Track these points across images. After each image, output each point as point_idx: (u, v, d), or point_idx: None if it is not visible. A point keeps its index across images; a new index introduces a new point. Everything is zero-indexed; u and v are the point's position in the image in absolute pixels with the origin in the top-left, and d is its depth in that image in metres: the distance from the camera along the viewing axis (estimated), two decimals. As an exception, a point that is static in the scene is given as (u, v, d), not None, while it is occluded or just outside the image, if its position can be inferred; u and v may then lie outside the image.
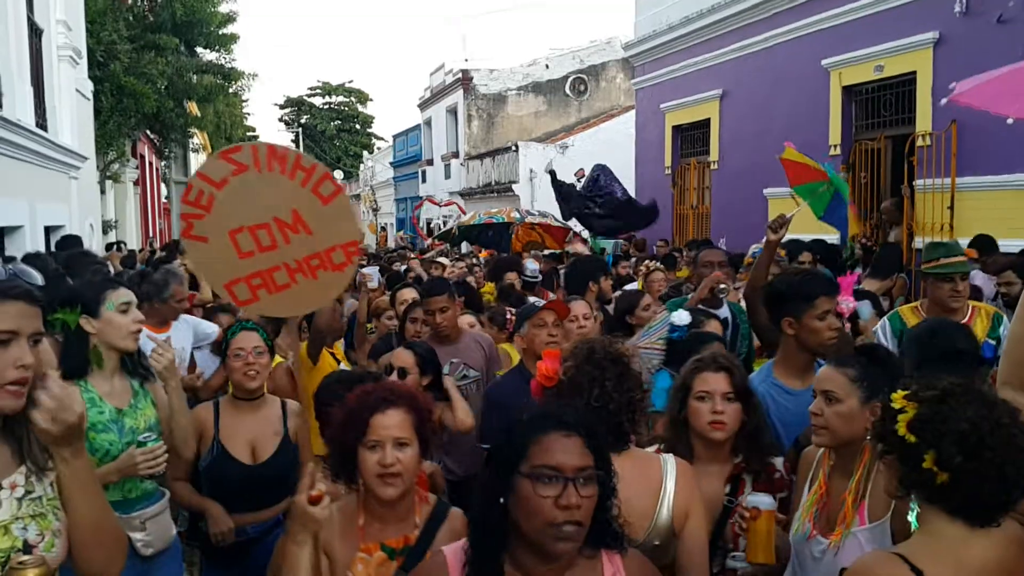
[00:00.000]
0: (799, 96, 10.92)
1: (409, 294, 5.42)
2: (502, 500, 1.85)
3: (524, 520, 1.81)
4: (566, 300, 4.75)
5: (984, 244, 6.72)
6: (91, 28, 14.26)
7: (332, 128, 48.27)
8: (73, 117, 11.97)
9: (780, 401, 3.24)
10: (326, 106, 51.30)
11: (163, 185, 28.33)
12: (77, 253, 6.91)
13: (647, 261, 8.23)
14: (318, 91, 51.38)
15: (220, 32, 19.69)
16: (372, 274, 6.38)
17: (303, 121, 50.42)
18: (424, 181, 31.40)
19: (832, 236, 7.78)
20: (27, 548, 1.87)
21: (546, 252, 13.52)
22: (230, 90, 21.88)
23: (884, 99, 9.83)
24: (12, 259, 5.87)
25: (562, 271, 8.63)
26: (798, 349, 3.36)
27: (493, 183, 24.06)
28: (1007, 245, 6.95)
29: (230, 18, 20.06)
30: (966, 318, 4.19)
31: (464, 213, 20.69)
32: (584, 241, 11.82)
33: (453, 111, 27.98)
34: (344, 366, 4.72)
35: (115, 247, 12.79)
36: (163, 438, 3.21)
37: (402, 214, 34.81)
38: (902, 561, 1.76)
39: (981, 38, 8.09)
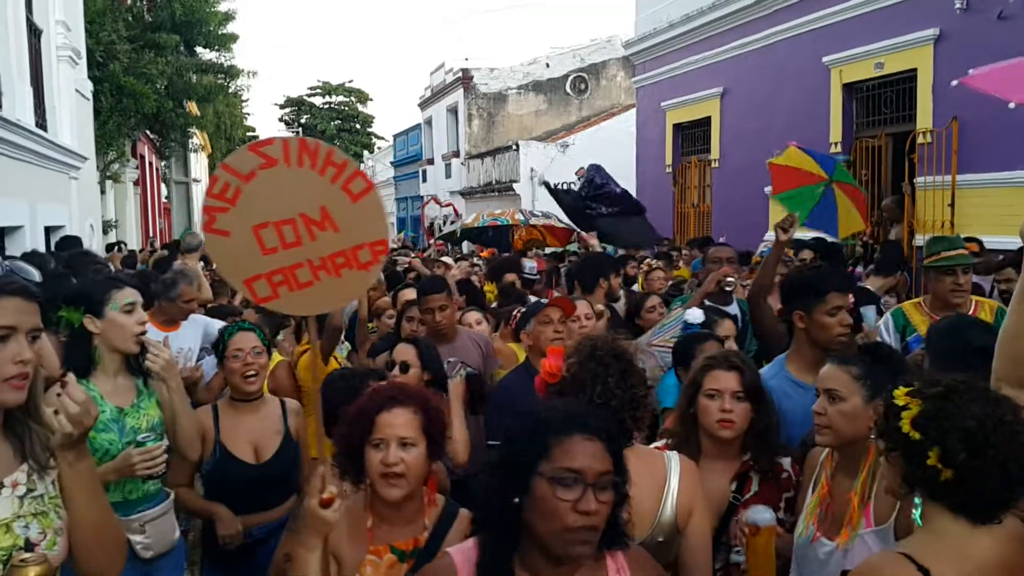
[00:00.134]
0: (800, 94, 10.91)
1: (411, 294, 5.43)
2: (516, 500, 1.81)
3: (539, 522, 1.78)
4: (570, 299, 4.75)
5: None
6: (90, 28, 14.25)
7: (332, 128, 48.17)
8: (73, 117, 11.97)
9: (792, 395, 3.21)
10: (326, 106, 51.23)
11: (163, 185, 28.33)
12: (78, 253, 6.90)
13: (647, 260, 8.25)
14: (318, 91, 51.32)
15: (220, 32, 19.68)
16: None
17: (303, 121, 50.34)
18: (425, 181, 31.40)
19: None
20: (29, 546, 1.87)
21: (547, 251, 13.55)
22: (230, 89, 21.86)
23: (885, 96, 9.82)
24: (11, 258, 5.87)
25: (563, 269, 8.66)
26: (809, 344, 3.34)
27: (494, 182, 24.05)
28: (1007, 243, 6.94)
29: (229, 17, 20.06)
30: (969, 313, 4.15)
31: (459, 215, 20.69)
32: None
33: (453, 110, 27.97)
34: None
35: (116, 247, 12.79)
36: (169, 439, 3.18)
37: (402, 214, 34.83)
38: (908, 560, 1.76)
39: (982, 34, 8.07)
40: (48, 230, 10.36)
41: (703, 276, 5.56)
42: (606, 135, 20.62)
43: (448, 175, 28.43)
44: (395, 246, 13.85)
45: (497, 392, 4.23)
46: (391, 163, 36.96)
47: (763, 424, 2.81)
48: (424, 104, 31.73)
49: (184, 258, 7.94)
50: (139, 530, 3.07)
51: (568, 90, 26.27)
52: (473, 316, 5.39)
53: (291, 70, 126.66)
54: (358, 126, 50.55)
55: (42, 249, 8.66)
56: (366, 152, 47.68)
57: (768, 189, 10.94)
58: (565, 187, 14.44)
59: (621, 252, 10.63)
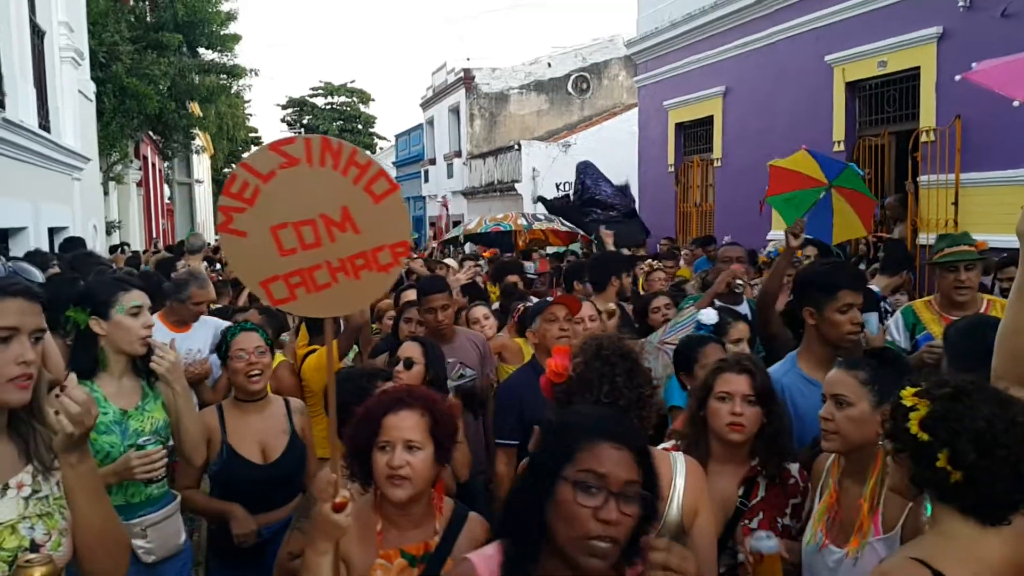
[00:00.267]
0: (802, 92, 10.89)
1: (413, 295, 5.43)
2: (539, 505, 1.75)
3: (559, 528, 1.72)
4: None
5: None
6: (93, 29, 14.27)
7: (334, 128, 48.19)
8: (76, 118, 11.98)
9: (806, 392, 3.17)
10: (328, 106, 51.29)
11: (166, 186, 28.37)
12: (82, 254, 6.90)
13: (648, 260, 8.24)
14: (320, 91, 51.39)
15: (222, 32, 19.71)
16: None
17: (305, 122, 50.40)
18: (427, 181, 31.41)
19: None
20: (34, 547, 1.88)
21: (550, 251, 13.56)
22: (232, 89, 21.90)
23: (888, 95, 9.80)
24: (15, 259, 5.87)
25: (565, 268, 8.65)
26: (819, 341, 3.31)
27: (496, 182, 24.04)
28: (1011, 241, 6.91)
29: (231, 17, 20.09)
30: (982, 311, 4.11)
31: (447, 208, 20.63)
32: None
33: (455, 110, 27.96)
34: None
35: (119, 249, 12.81)
36: (174, 443, 3.16)
37: (404, 213, 34.74)
38: (922, 565, 1.74)
39: (985, 32, 8.06)
40: (51, 231, 10.38)
41: (714, 275, 5.54)
42: (608, 135, 20.61)
43: (450, 175, 28.43)
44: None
45: (503, 391, 4.23)
46: (393, 163, 36.96)
47: (773, 429, 2.79)
48: (426, 104, 31.73)
49: (188, 259, 7.96)
50: (140, 534, 3.02)
51: (570, 90, 26.26)
52: (481, 311, 5.41)
53: (293, 71, 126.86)
54: (360, 126, 50.59)
55: (46, 250, 8.67)
56: (368, 152, 47.68)
57: (764, 195, 10.95)
58: (563, 192, 14.54)
59: (625, 251, 10.65)
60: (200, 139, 26.84)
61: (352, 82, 52.15)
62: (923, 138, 8.86)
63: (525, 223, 13.17)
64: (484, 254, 12.99)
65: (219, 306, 6.03)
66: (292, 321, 5.46)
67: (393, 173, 38.10)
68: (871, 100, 10.11)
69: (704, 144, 13.71)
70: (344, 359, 4.75)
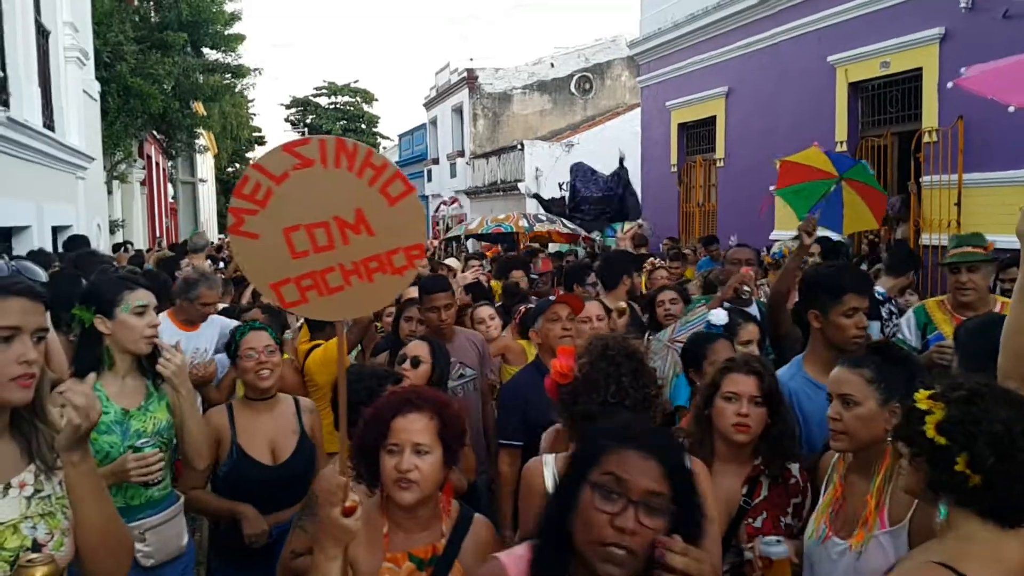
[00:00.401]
0: (805, 93, 10.88)
1: (413, 293, 5.43)
2: (569, 506, 1.72)
3: (578, 530, 1.69)
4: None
5: None
6: (98, 29, 14.31)
7: (338, 128, 48.17)
8: (80, 118, 12.00)
9: (812, 396, 3.14)
10: (332, 106, 51.30)
11: (170, 185, 28.41)
12: (86, 253, 6.92)
13: (651, 259, 8.24)
14: (324, 91, 51.40)
15: (226, 32, 19.75)
16: None
17: (309, 121, 50.43)
18: (430, 180, 31.41)
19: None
20: (36, 547, 1.88)
21: (552, 249, 13.58)
22: (236, 88, 21.93)
23: (890, 95, 9.79)
24: (18, 258, 5.89)
25: (565, 268, 8.66)
26: (824, 344, 3.27)
27: (499, 182, 24.04)
28: (1013, 242, 6.91)
29: (235, 17, 20.13)
30: (995, 310, 4.07)
31: (460, 204, 20.69)
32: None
33: (459, 110, 27.96)
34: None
35: (122, 247, 12.83)
36: (178, 445, 3.13)
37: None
38: (947, 569, 1.73)
39: (987, 34, 8.05)
40: (55, 230, 10.40)
41: (716, 275, 5.53)
42: (611, 135, 20.59)
43: (453, 175, 28.43)
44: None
45: (506, 391, 4.23)
46: (396, 163, 36.88)
47: (778, 430, 2.79)
48: (429, 104, 31.74)
49: (191, 257, 7.99)
50: (139, 538, 2.95)
51: (573, 90, 26.25)
52: (486, 311, 5.40)
53: (297, 71, 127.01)
54: (363, 126, 50.60)
55: (49, 249, 8.70)
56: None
57: (774, 188, 10.94)
58: (563, 192, 14.69)
59: (627, 247, 10.68)
60: (204, 138, 26.90)
61: (356, 82, 52.19)
62: (925, 139, 8.86)
63: (526, 224, 13.20)
64: (487, 253, 13.01)
65: (225, 306, 6.05)
66: (293, 320, 5.48)
67: (396, 173, 38.40)
68: (873, 101, 10.10)
69: (707, 144, 13.70)
70: (348, 355, 4.75)
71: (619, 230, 13.47)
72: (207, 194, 36.50)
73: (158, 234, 23.20)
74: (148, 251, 14.28)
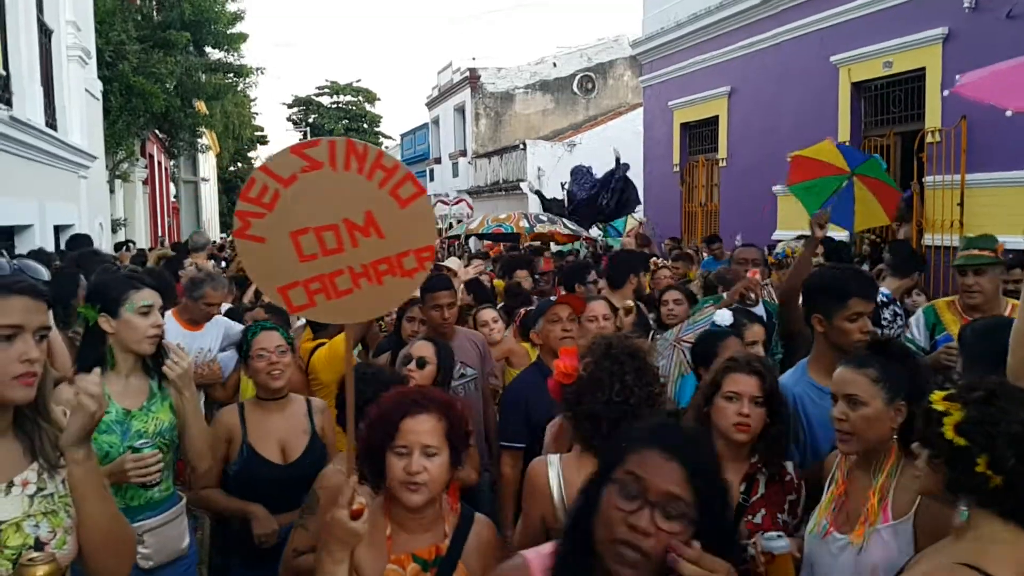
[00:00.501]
0: (807, 93, 10.88)
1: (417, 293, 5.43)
2: (594, 504, 1.70)
3: (596, 527, 1.66)
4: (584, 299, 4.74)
5: None
6: (100, 28, 14.31)
7: (340, 127, 48.23)
8: (82, 117, 12.01)
9: (817, 400, 3.12)
10: (334, 105, 51.37)
11: (172, 184, 28.43)
12: (88, 252, 6.92)
13: (655, 259, 8.23)
14: (326, 90, 51.47)
15: (228, 31, 19.76)
16: None
17: (311, 120, 50.50)
18: (432, 180, 31.42)
19: (840, 233, 7.74)
20: (39, 545, 1.88)
21: (554, 249, 13.60)
22: (238, 87, 21.94)
23: (893, 95, 9.78)
24: (20, 256, 5.89)
25: (565, 268, 8.65)
26: (828, 348, 3.23)
27: (501, 181, 24.05)
28: (1018, 242, 6.91)
29: (238, 16, 20.14)
30: (1005, 313, 4.05)
31: (472, 209, 20.76)
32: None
33: (461, 109, 27.98)
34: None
35: (124, 246, 12.83)
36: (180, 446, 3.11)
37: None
38: (973, 570, 1.72)
39: (990, 34, 8.04)
40: (57, 229, 10.40)
41: (731, 275, 5.51)
42: (613, 134, 20.59)
43: (455, 174, 28.44)
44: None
45: (508, 392, 4.21)
46: (398, 162, 36.97)
47: (777, 430, 2.79)
48: (431, 103, 31.76)
49: (193, 256, 7.99)
50: (138, 540, 2.85)
51: (575, 89, 26.26)
52: (489, 314, 5.39)
53: (299, 70, 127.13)
54: (365, 125, 50.66)
55: (51, 248, 8.70)
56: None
57: (776, 188, 10.96)
58: (561, 193, 14.78)
59: (629, 244, 10.68)
60: (206, 137, 26.91)
61: (358, 81, 52.30)
62: (928, 139, 8.85)
63: (527, 225, 13.20)
64: (490, 252, 13.02)
65: (230, 306, 6.05)
66: (294, 319, 5.48)
67: (398, 172, 38.62)
68: (876, 101, 10.09)
69: (709, 144, 13.70)
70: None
71: (623, 231, 13.50)
72: (209, 193, 36.55)
73: (160, 233, 23.22)
74: (150, 250, 14.29)
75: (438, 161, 30.89)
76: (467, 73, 26.63)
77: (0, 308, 1.86)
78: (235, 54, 20.69)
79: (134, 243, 14.60)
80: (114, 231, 15.74)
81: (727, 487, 1.77)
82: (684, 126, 14.35)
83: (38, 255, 6.29)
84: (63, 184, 11.00)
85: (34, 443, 1.95)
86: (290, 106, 52.28)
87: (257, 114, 43.02)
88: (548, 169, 21.48)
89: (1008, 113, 3.21)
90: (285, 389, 3.59)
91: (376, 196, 2.12)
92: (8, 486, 1.89)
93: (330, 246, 2.11)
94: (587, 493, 1.73)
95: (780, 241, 8.64)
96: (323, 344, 4.70)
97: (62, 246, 9.22)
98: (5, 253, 5.65)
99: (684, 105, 14.13)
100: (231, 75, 20.50)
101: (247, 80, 21.49)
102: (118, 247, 12.85)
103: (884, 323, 4.80)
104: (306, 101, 51.63)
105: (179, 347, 3.15)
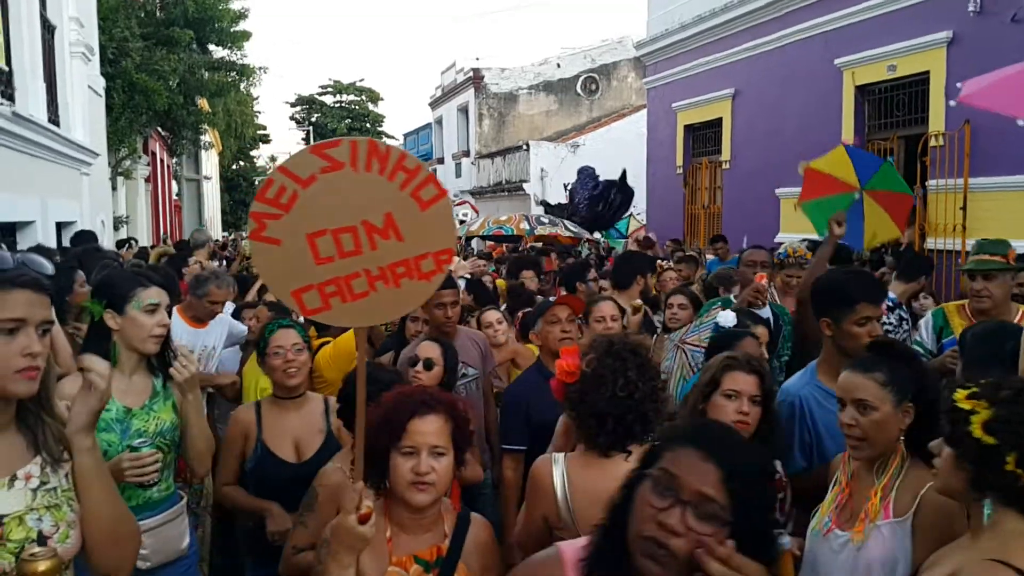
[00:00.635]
0: (811, 95, 10.87)
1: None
2: (631, 499, 1.68)
3: (629, 522, 1.64)
4: (592, 300, 4.73)
5: None
6: (103, 25, 14.31)
7: (343, 127, 48.22)
8: (85, 113, 12.01)
9: (824, 403, 3.11)
10: (337, 105, 51.36)
11: (174, 182, 28.42)
12: (90, 249, 6.92)
13: (659, 261, 8.23)
14: (329, 90, 51.46)
15: (232, 29, 19.77)
16: None
17: (314, 120, 50.49)
18: (434, 180, 31.41)
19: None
20: (42, 539, 1.87)
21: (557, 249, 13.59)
22: (241, 86, 21.94)
23: (897, 99, 9.77)
24: (22, 252, 5.88)
25: (565, 269, 8.65)
26: (836, 351, 3.22)
27: (504, 182, 24.05)
28: (1020, 246, 6.89)
29: (242, 15, 20.15)
30: (1015, 319, 4.04)
31: (477, 212, 20.77)
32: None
33: (464, 110, 27.98)
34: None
35: (126, 244, 12.83)
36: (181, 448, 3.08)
37: (412, 212, 34.81)
38: (1005, 566, 1.72)
39: (995, 37, 8.03)
40: (59, 226, 10.39)
41: (740, 277, 5.50)
42: (616, 136, 20.62)
43: (458, 174, 28.45)
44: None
45: (509, 395, 4.21)
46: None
47: (769, 428, 2.82)
48: (435, 103, 31.77)
49: (198, 254, 7.98)
50: None
51: (579, 90, 26.26)
52: (493, 315, 5.38)
53: (303, 69, 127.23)
54: (369, 125, 50.63)
55: (53, 244, 8.70)
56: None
57: (779, 191, 10.96)
58: (567, 195, 14.86)
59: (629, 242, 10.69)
60: (209, 135, 26.91)
61: (361, 80, 52.34)
62: (932, 143, 8.84)
63: (528, 227, 13.20)
64: (493, 253, 13.01)
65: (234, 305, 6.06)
66: (294, 317, 5.48)
67: (401, 172, 38.73)
68: (880, 104, 10.08)
69: (713, 146, 13.70)
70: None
71: (626, 232, 13.51)
72: (211, 191, 36.53)
73: (162, 231, 23.21)
74: (152, 247, 14.28)
75: (441, 161, 30.90)
76: (471, 73, 26.64)
77: (3, 302, 1.85)
78: (238, 52, 20.71)
79: (136, 240, 14.59)
80: (116, 228, 15.73)
81: (771, 493, 1.73)
82: (688, 128, 14.34)
83: (39, 251, 6.28)
84: (65, 181, 11.00)
85: (37, 437, 1.95)
86: (293, 105, 52.30)
87: (260, 112, 43.06)
88: (551, 170, 21.48)
89: (1020, 123, 3.20)
90: (302, 387, 3.59)
91: (397, 198, 2.08)
92: (11, 480, 1.89)
93: (347, 248, 2.07)
94: (625, 489, 1.71)
95: (782, 244, 8.65)
96: (328, 343, 4.72)
97: (64, 243, 9.22)
98: (5, 247, 5.65)
99: (688, 107, 14.13)
100: (234, 73, 20.50)
101: (250, 79, 21.50)
102: (120, 244, 12.84)
103: (889, 327, 4.78)
104: (309, 100, 51.63)
105: (189, 351, 3.13)
